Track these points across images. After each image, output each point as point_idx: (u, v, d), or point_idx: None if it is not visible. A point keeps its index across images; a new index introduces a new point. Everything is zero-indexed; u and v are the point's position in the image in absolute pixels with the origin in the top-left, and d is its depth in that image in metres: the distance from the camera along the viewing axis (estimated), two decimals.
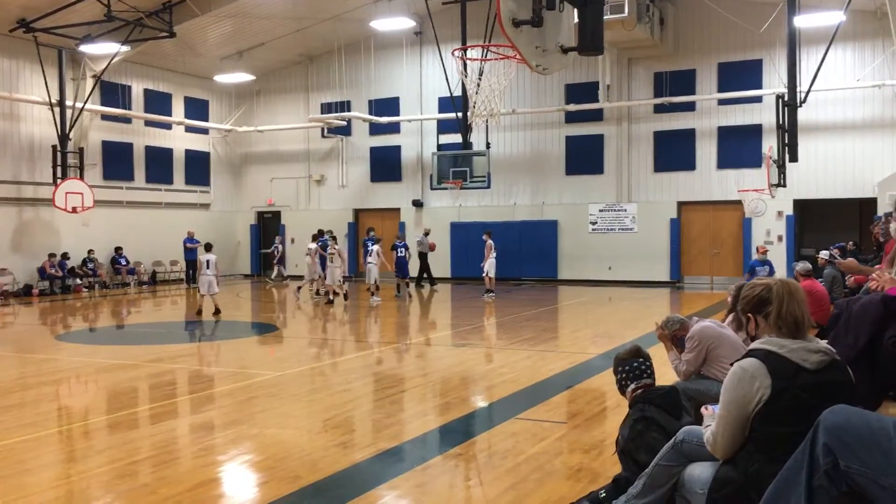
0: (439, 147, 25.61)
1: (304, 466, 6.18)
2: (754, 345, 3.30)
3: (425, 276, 24.91)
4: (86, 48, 23.06)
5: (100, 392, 9.84)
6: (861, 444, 2.51)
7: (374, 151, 29.21)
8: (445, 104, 25.69)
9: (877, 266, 7.22)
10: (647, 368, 4.49)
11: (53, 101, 23.65)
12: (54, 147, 23.72)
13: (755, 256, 17.31)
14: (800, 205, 23.89)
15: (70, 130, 23.93)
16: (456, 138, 24.19)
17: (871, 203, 21.28)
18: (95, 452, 6.82)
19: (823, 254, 14.35)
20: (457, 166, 22.40)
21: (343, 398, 9.13)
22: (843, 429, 2.57)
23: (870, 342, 4.12)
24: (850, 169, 22.89)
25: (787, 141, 18.66)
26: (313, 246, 21.32)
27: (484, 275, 21.39)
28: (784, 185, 20.68)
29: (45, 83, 23.22)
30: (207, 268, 17.41)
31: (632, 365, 4.44)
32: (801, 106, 19.14)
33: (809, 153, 22.03)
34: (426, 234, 24.78)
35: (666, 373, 6.40)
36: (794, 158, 18.75)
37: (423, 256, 24.67)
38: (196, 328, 16.56)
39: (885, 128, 22.22)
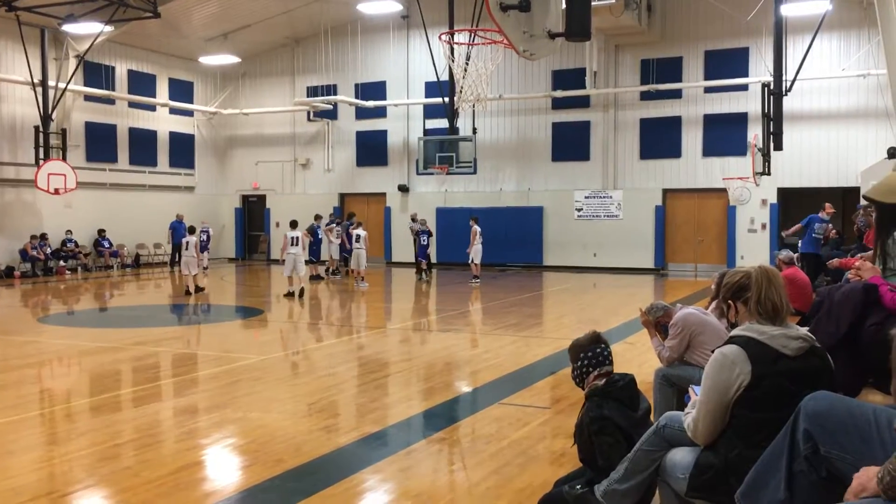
0: (426, 132, 25.58)
1: (287, 450, 6.18)
2: (735, 331, 3.33)
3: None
4: (68, 28, 22.77)
5: (82, 375, 9.79)
6: (841, 430, 2.54)
7: (361, 136, 29.09)
8: (432, 89, 25.59)
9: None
10: (609, 354, 4.42)
11: (36, 81, 23.36)
12: (36, 128, 23.46)
13: (821, 213, 16.83)
14: (784, 193, 24.01)
15: (52, 111, 23.66)
16: (442, 123, 24.12)
17: (854, 192, 21.41)
18: (77, 435, 6.80)
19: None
20: (443, 151, 22.36)
21: (327, 382, 9.13)
22: (824, 415, 2.59)
23: (851, 330, 4.15)
24: (834, 158, 23.02)
25: (772, 129, 18.73)
26: (363, 233, 20.83)
27: (470, 261, 21.39)
28: (768, 174, 20.76)
29: (28, 63, 22.93)
30: (186, 249, 18.27)
31: (594, 351, 4.35)
32: (786, 94, 19.20)
33: (794, 142, 22.11)
34: (413, 218, 24.70)
35: (650, 359, 6.44)
36: (778, 147, 18.83)
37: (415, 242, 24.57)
38: (180, 311, 16.52)
39: (869, 117, 22.33)
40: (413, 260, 24.70)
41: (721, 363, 3.21)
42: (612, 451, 3.85)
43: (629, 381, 4.18)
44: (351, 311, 16.44)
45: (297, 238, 17.91)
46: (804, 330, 3.33)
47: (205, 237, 23.80)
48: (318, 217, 23.23)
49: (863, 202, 15.27)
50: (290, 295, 17.46)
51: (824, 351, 3.29)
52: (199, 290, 18.31)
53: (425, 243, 22.77)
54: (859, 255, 7.61)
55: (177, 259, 26.22)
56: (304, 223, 23.66)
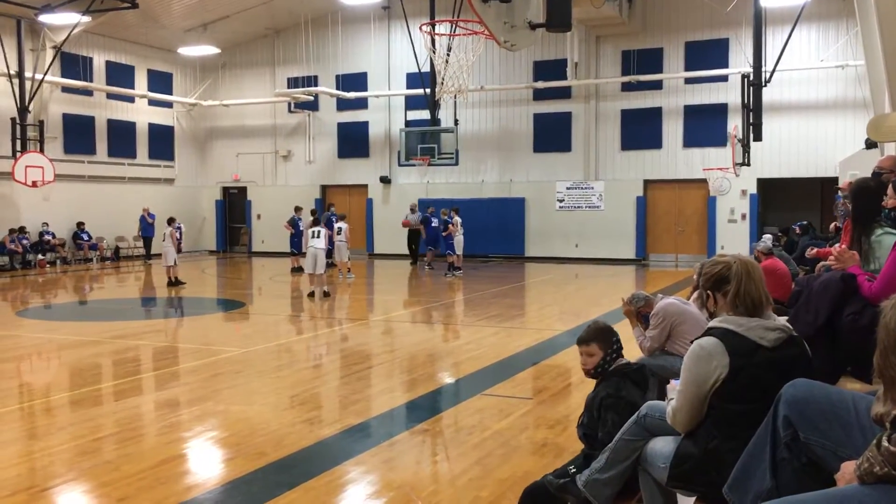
0: (407, 123, 25.48)
1: (269, 443, 6.16)
2: (713, 323, 3.33)
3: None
4: (45, 18, 22.46)
5: (62, 368, 9.71)
6: (821, 417, 2.55)
7: (342, 127, 28.97)
8: (413, 80, 25.50)
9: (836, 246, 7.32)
10: None
11: (12, 72, 23.05)
12: (13, 119, 23.15)
13: None
14: (763, 183, 24.18)
15: (29, 103, 23.36)
16: (424, 114, 24.06)
17: (832, 182, 21.59)
18: (57, 429, 6.75)
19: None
20: (425, 143, 22.31)
21: (309, 375, 9.12)
22: (803, 402, 2.61)
23: (829, 319, 4.18)
24: (813, 148, 23.20)
25: (751, 120, 18.84)
26: (344, 226, 19.93)
27: (455, 253, 21.31)
28: (748, 164, 20.91)
29: (4, 54, 22.62)
30: (164, 240, 18.31)
31: (617, 336, 4.44)
32: (765, 85, 19.30)
33: (773, 132, 22.26)
34: (412, 209, 24.67)
35: (631, 349, 6.47)
36: (758, 138, 18.94)
37: (412, 234, 24.58)
38: (160, 303, 16.41)
39: (847, 108, 22.51)
40: (407, 252, 24.64)
41: (699, 355, 3.22)
42: (615, 429, 3.90)
43: (641, 366, 4.38)
44: (334, 303, 16.40)
45: (319, 231, 16.53)
46: (782, 320, 3.35)
47: (177, 234, 21.64)
48: (298, 209, 23.17)
49: (842, 192, 15.38)
50: (311, 295, 16.27)
51: (802, 340, 3.31)
52: (178, 282, 18.23)
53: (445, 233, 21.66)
54: (837, 244, 7.67)
55: (146, 252, 26.16)
56: (286, 215, 23.67)
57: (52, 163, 23.45)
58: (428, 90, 21.88)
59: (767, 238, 11.14)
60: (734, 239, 23.59)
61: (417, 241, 24.56)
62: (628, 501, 3.80)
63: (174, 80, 29.97)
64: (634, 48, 24.82)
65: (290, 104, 29.12)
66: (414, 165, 23.63)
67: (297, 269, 21.88)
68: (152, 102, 28.82)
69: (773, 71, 19.94)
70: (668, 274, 21.66)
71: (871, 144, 19.42)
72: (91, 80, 26.24)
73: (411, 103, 26.56)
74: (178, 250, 19.13)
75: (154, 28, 26.83)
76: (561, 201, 26.01)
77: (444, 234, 21.96)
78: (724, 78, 23.75)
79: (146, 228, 26.19)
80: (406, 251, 25.12)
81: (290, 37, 29.05)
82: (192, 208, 30.22)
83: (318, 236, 16.31)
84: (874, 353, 2.08)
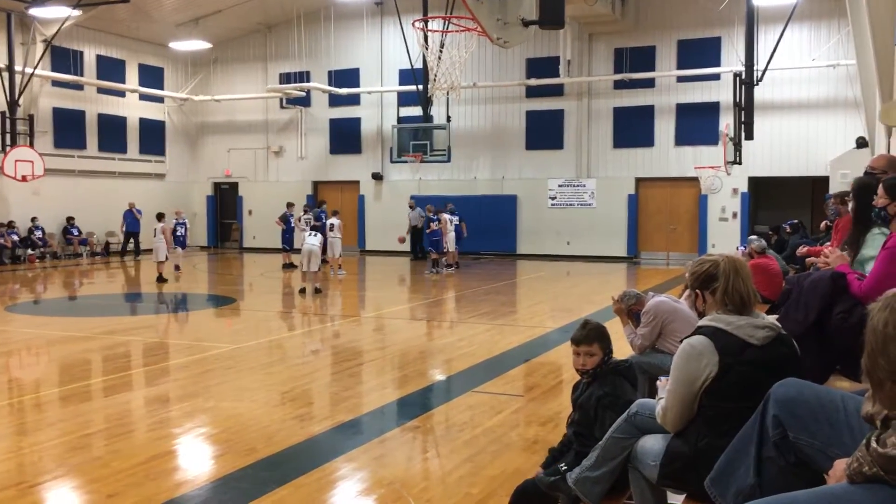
0: (399, 120, 25.46)
1: (260, 439, 6.15)
2: (702, 322, 3.34)
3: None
4: (35, 11, 22.35)
5: (52, 364, 9.67)
6: (810, 417, 2.56)
7: (334, 123, 28.92)
8: (406, 76, 25.48)
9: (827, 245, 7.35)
10: None
11: (2, 66, 22.94)
12: (3, 113, 23.04)
13: None
14: (754, 182, 24.25)
15: (19, 97, 23.25)
16: (416, 111, 24.03)
17: (823, 181, 21.68)
18: (47, 425, 6.72)
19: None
20: (417, 139, 22.28)
21: (301, 371, 9.10)
22: (793, 401, 2.61)
23: (819, 318, 4.20)
24: (804, 147, 23.26)
25: (743, 119, 18.91)
26: (337, 222, 20.00)
27: (443, 249, 21.33)
28: (740, 163, 20.96)
29: None
30: (154, 236, 18.32)
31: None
32: (757, 84, 19.35)
33: (765, 131, 22.32)
34: (411, 206, 24.67)
35: (622, 346, 6.48)
36: (749, 136, 19.01)
37: (414, 230, 24.60)
38: (151, 299, 16.35)
39: (839, 107, 22.57)
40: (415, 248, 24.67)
41: (689, 354, 3.23)
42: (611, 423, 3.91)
43: (631, 364, 4.48)
44: (325, 300, 16.38)
45: (316, 231, 16.31)
46: (771, 318, 3.36)
47: (182, 230, 21.03)
48: (290, 205, 23.11)
49: (832, 191, 15.44)
50: (302, 291, 16.14)
51: (791, 339, 3.32)
52: (161, 279, 18.18)
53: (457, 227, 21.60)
54: (827, 243, 7.71)
55: (128, 248, 26.06)
56: (278, 211, 23.63)
57: (41, 157, 23.35)
58: (420, 87, 21.88)
59: (753, 238, 11.19)
60: (725, 237, 23.65)
61: (419, 237, 24.55)
62: (619, 499, 3.81)
63: (165, 74, 29.85)
64: (627, 46, 24.84)
65: (281, 100, 29.03)
66: (406, 162, 23.60)
67: (289, 266, 21.86)
68: (143, 97, 28.69)
69: (765, 70, 20.00)
70: (660, 272, 21.71)
71: (861, 144, 19.51)
72: (81, 75, 26.11)
73: (404, 100, 26.53)
74: (183, 245, 19.32)
75: (145, 22, 26.72)
76: (553, 199, 26.03)
77: (427, 231, 21.97)
78: (717, 76, 23.80)
79: (132, 223, 26.03)
80: (402, 248, 25.07)
81: (283, 32, 28.95)
82: (183, 204, 29.99)
83: (315, 235, 16.34)
84: (863, 351, 2.09)
